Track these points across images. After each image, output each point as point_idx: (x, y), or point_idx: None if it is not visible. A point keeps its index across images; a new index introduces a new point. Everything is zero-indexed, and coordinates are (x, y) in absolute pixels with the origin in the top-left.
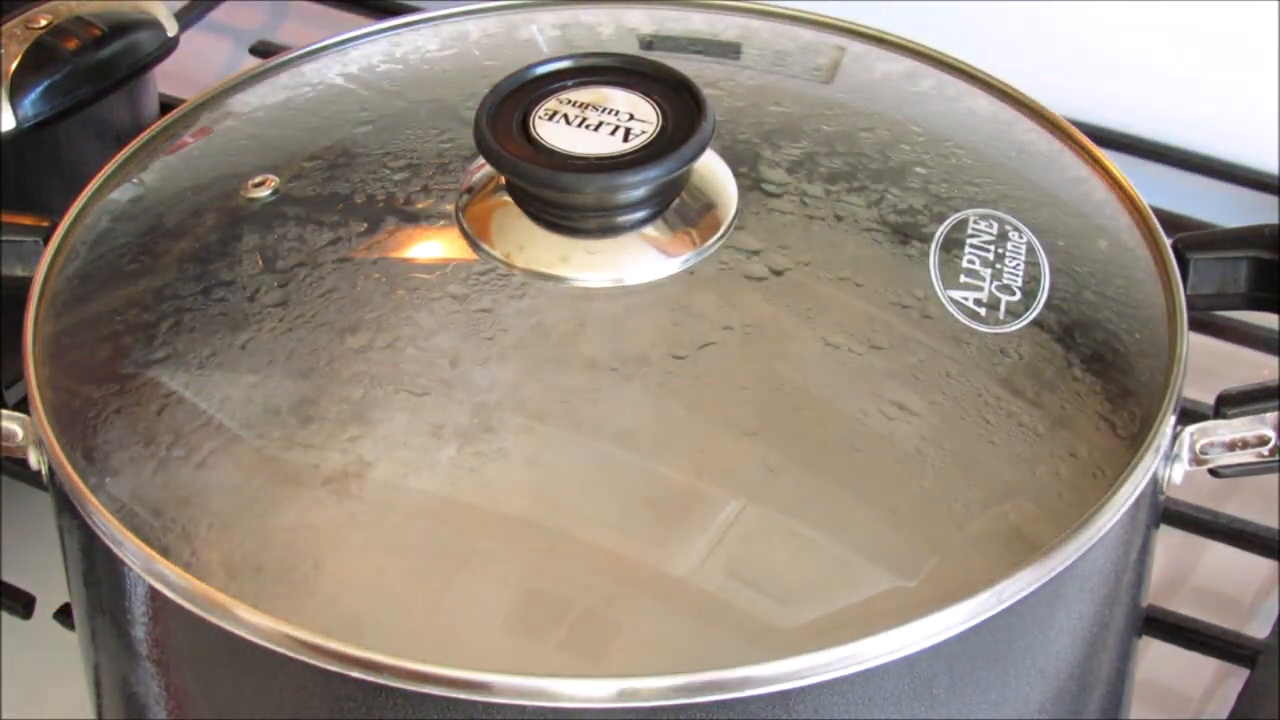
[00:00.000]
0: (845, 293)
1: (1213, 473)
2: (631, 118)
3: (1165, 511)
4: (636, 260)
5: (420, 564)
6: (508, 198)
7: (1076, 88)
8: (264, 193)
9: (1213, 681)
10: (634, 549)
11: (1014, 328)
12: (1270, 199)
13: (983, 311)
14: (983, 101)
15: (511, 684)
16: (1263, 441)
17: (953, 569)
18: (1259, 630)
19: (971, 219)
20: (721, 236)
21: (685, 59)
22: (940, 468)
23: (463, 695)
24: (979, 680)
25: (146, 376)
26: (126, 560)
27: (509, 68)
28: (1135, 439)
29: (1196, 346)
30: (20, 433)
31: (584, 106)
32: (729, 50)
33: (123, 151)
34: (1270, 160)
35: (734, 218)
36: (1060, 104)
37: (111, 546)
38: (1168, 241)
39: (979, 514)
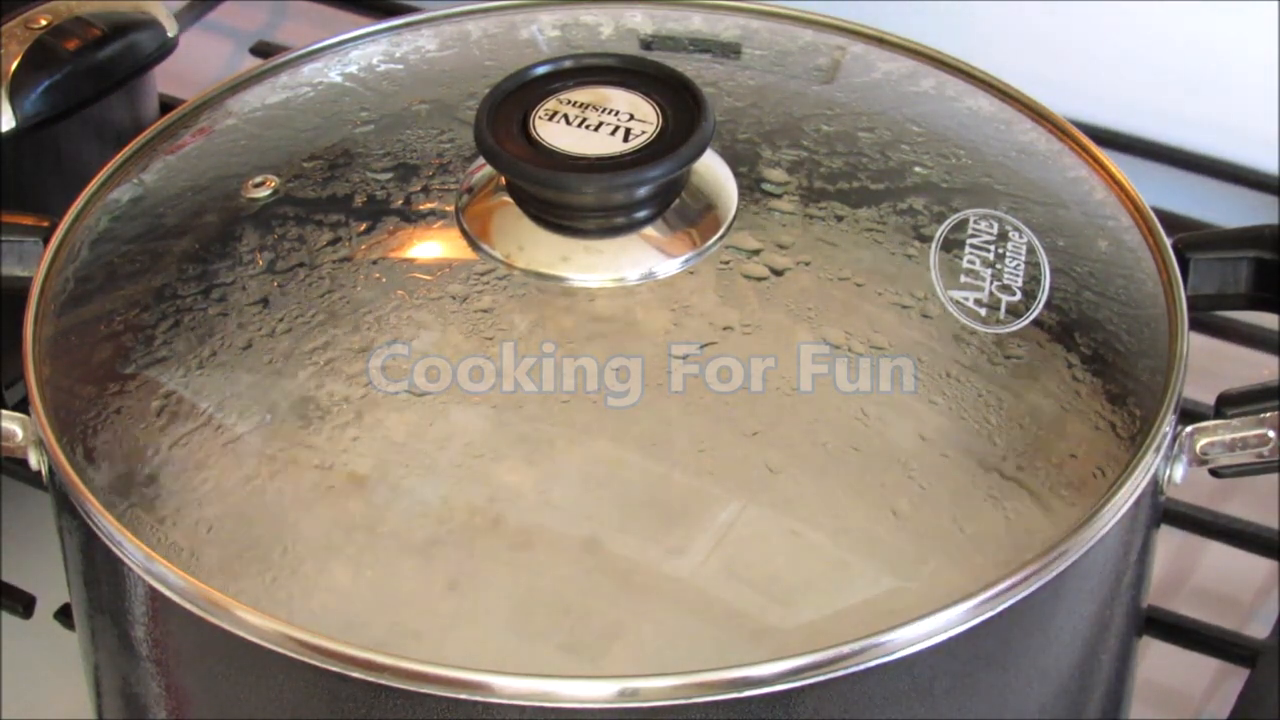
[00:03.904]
0: (845, 293)
1: (1213, 473)
2: (631, 118)
3: (1165, 511)
4: (636, 260)
5: (420, 564)
6: (508, 198)
7: (1076, 88)
8: (264, 193)
9: (1213, 681)
10: (634, 549)
11: (1014, 328)
12: (1270, 199)
13: (983, 311)
14: (983, 101)
15: (511, 684)
16: (1263, 441)
17: (953, 569)
18: (1259, 630)
19: (971, 219)
20: (721, 236)
21: (685, 59)
22: (940, 468)
23: (463, 695)
24: (979, 680)
25: (146, 376)
26: (126, 560)
27: (509, 68)
28: (1135, 439)
29: (1196, 346)
30: (20, 433)
31: (584, 106)
32: (729, 50)
33: (123, 151)
34: (1270, 160)
35: (734, 218)
36: (1060, 104)
37: (111, 546)
38: (1168, 241)
39: (979, 514)
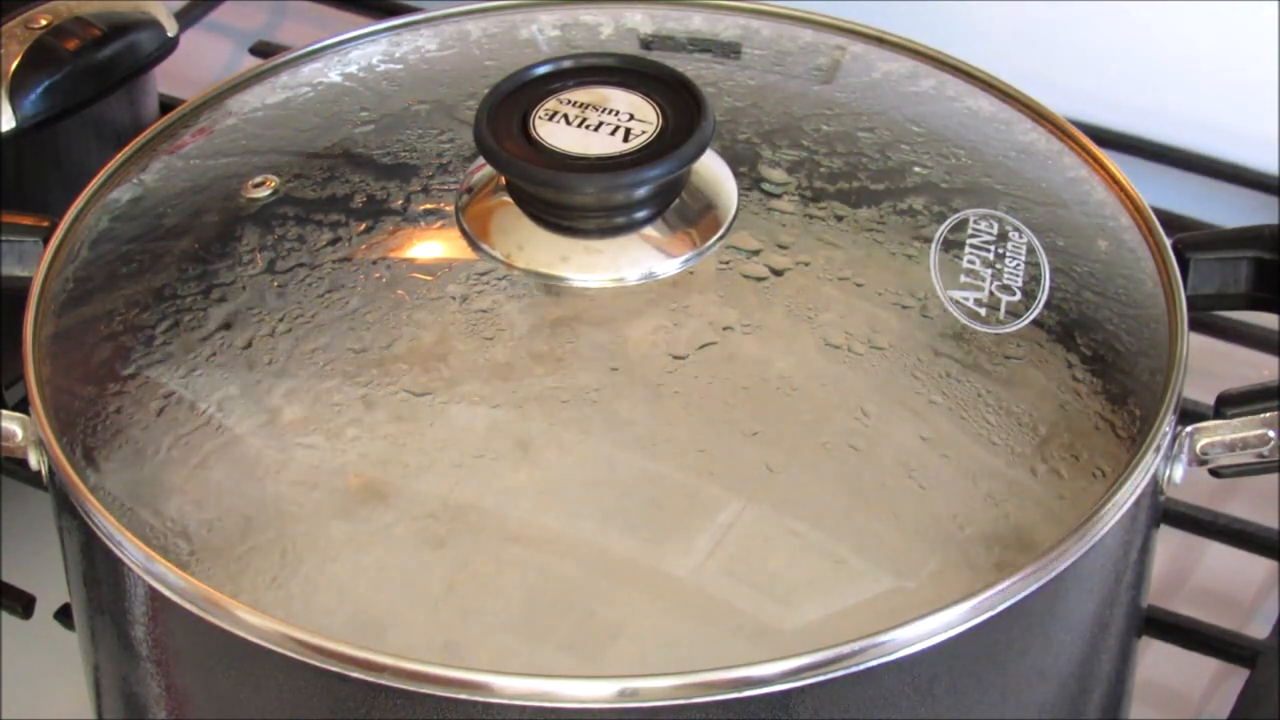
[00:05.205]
0: (845, 293)
1: (1213, 473)
2: (631, 118)
3: (1165, 511)
4: (636, 260)
5: (420, 564)
6: (508, 198)
7: (1076, 88)
8: (264, 193)
9: (1213, 681)
10: (634, 549)
11: (1014, 328)
12: (1270, 199)
13: (983, 311)
14: (983, 101)
15: (511, 684)
16: (1263, 441)
17: (953, 569)
18: (1259, 630)
19: (971, 219)
20: (721, 236)
21: (685, 59)
22: (940, 468)
23: (463, 695)
24: (979, 680)
25: (146, 376)
26: (126, 560)
27: (509, 68)
28: (1135, 439)
29: (1196, 346)
30: (20, 433)
31: (584, 106)
32: (729, 50)
33: (123, 151)
34: (1270, 160)
35: (734, 218)
36: (1060, 104)
37: (111, 546)
38: (1168, 241)
39: (979, 514)
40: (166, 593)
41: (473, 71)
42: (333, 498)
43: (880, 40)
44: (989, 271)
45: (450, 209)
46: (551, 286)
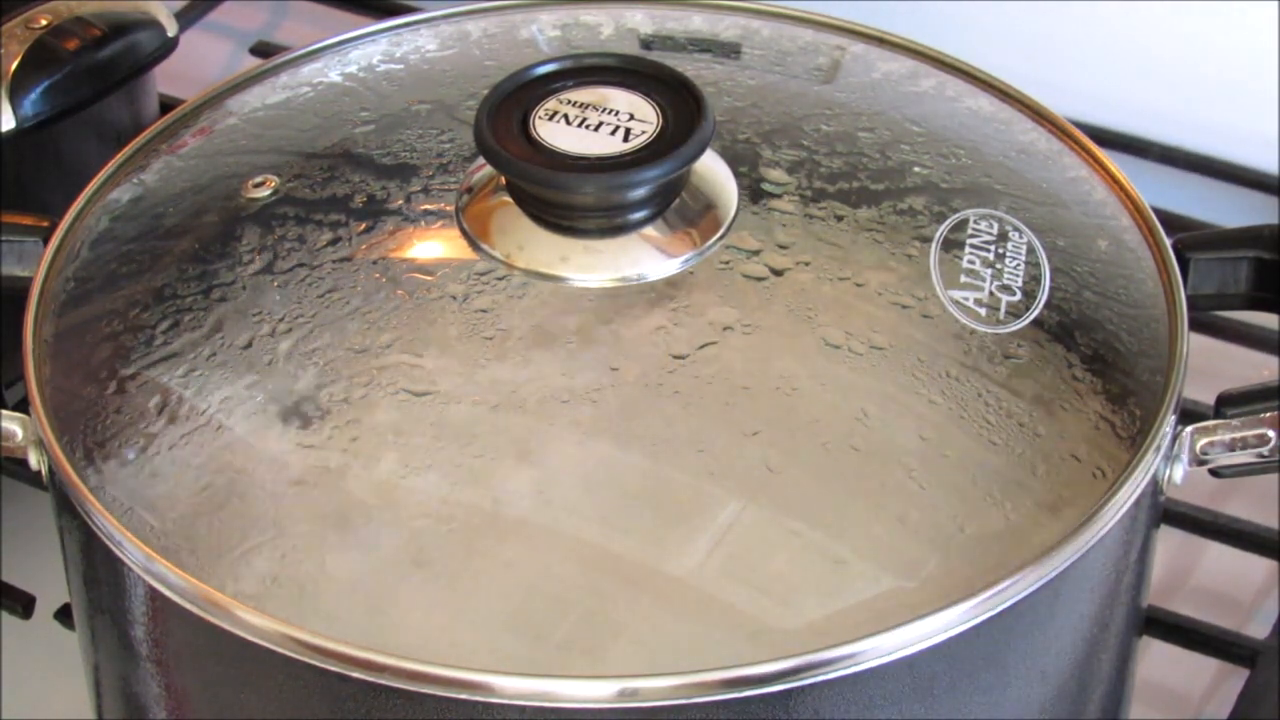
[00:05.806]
0: (845, 293)
1: (1213, 473)
2: (631, 118)
3: (1165, 511)
4: (636, 260)
5: (420, 564)
6: (508, 198)
7: (1076, 88)
8: (264, 193)
9: (1213, 681)
10: (634, 549)
11: (1014, 328)
12: (1270, 199)
13: (983, 311)
14: (983, 101)
15: (511, 684)
16: (1263, 441)
17: (953, 569)
18: (1259, 630)
19: (971, 219)
20: (721, 236)
21: (685, 59)
22: (940, 468)
23: (463, 695)
24: (979, 680)
25: (146, 376)
26: (126, 560)
27: (509, 68)
28: (1135, 439)
29: (1196, 346)
30: (20, 433)
31: (584, 106)
32: (729, 50)
33: (123, 151)
34: (1270, 160)
35: (734, 218)
36: (1060, 104)
37: (111, 546)
38: (1168, 241)
39: (979, 514)
40: (166, 593)
41: (473, 71)
42: (333, 497)
43: (880, 40)
44: (989, 271)
45: (450, 209)
46: (551, 286)
